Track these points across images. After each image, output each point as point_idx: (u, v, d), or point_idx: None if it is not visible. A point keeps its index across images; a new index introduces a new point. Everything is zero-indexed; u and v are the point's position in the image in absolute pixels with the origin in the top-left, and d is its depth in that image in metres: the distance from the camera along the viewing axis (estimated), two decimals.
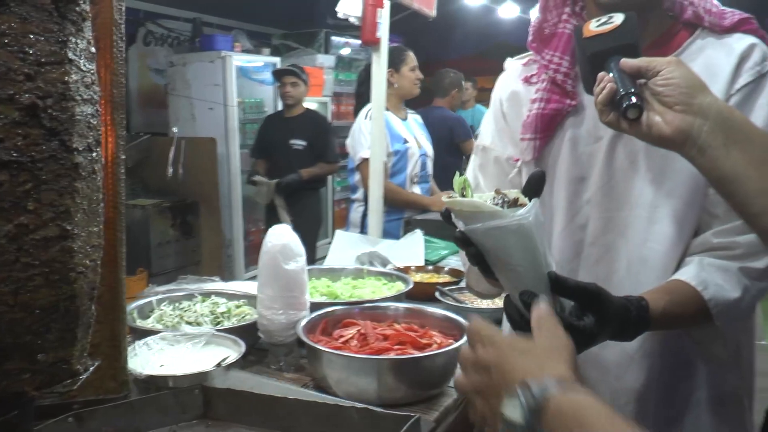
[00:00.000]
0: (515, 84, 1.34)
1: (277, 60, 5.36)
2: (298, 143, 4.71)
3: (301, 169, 4.62)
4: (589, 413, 0.65)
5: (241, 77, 5.27)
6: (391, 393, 1.37)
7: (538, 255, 0.88)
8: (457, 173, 0.90)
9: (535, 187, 0.90)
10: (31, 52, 0.75)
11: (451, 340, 1.48)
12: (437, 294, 2.08)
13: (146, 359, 1.34)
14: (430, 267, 2.51)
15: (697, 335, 1.11)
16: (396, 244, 2.98)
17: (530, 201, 0.87)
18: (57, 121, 0.78)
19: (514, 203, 0.86)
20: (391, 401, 1.35)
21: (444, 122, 4.52)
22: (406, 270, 2.35)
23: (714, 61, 1.12)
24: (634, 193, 1.15)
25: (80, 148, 0.81)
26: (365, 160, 3.20)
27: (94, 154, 0.85)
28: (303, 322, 1.51)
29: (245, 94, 5.36)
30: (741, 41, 1.13)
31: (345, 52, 6.81)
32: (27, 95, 0.75)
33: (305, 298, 1.56)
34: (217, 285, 1.88)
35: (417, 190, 3.46)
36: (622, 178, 1.16)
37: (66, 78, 0.78)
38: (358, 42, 7.20)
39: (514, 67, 1.38)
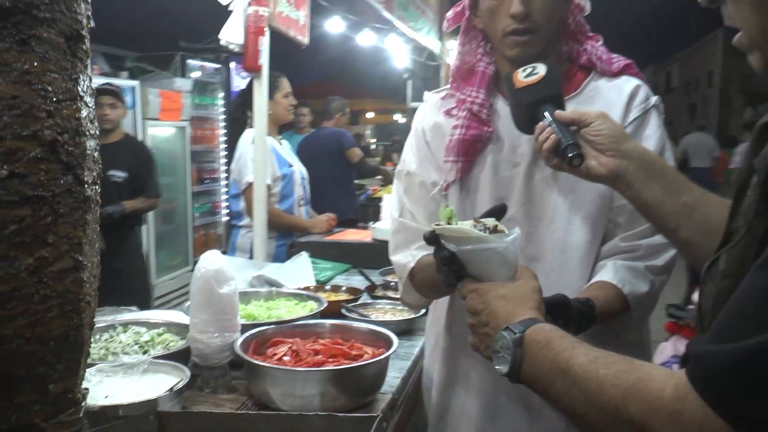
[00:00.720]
0: (437, 116, 1.51)
1: (136, 83, 5.18)
2: (118, 174, 4.06)
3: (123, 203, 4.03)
4: (553, 340, 0.87)
5: None
6: (333, 402, 1.45)
7: (515, 273, 1.03)
8: (443, 205, 1.05)
9: (496, 216, 1.07)
10: (50, 89, 0.78)
11: (382, 350, 1.60)
12: (343, 310, 2.19)
13: (89, 392, 1.32)
14: (328, 287, 2.61)
15: (615, 326, 1.32)
16: (283, 266, 3.02)
17: (499, 225, 1.03)
18: (72, 156, 0.81)
19: (494, 229, 1.02)
20: (332, 410, 1.43)
21: (331, 136, 5.15)
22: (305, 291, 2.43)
23: (608, 99, 1.36)
24: (550, 210, 1.35)
25: (89, 182, 0.84)
26: (252, 185, 3.24)
27: (96, 187, 0.88)
28: (238, 343, 1.56)
29: None
30: (628, 83, 1.38)
31: (195, 74, 6.69)
32: (48, 131, 0.78)
33: (237, 320, 1.60)
34: (134, 315, 1.85)
35: (302, 212, 3.54)
36: (539, 198, 1.36)
37: (78, 114, 0.82)
38: (213, 65, 7.14)
39: (433, 101, 1.55)
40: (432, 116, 1.51)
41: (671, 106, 35.85)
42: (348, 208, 4.93)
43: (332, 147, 5.10)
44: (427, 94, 1.58)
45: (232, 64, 7.17)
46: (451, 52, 7.27)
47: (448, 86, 1.51)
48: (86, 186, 0.83)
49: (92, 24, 0.86)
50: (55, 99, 0.78)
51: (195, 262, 4.62)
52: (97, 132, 0.88)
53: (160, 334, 1.72)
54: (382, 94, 14.49)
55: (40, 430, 0.84)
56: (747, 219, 0.70)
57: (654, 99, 1.37)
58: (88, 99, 0.85)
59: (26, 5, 0.76)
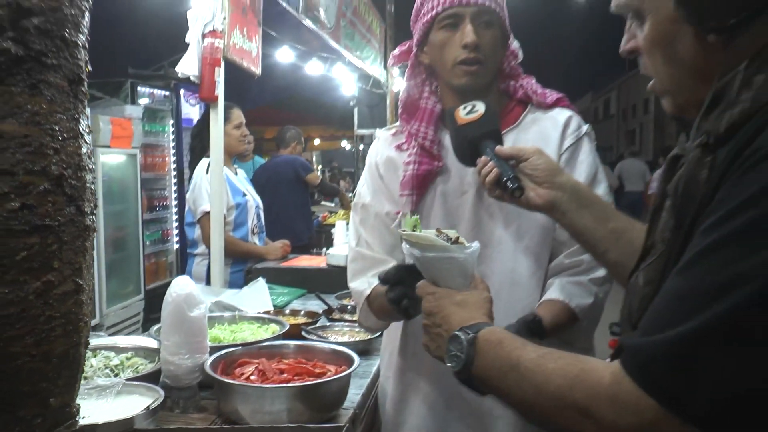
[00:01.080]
0: (389, 151, 1.64)
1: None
2: None
3: None
4: (505, 339, 0.97)
5: None
6: (300, 417, 1.53)
7: (470, 282, 1.15)
8: (408, 214, 1.16)
9: None
10: (57, 129, 0.87)
11: (344, 368, 1.69)
12: (303, 333, 2.27)
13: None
14: (287, 311, 2.69)
15: (567, 337, 1.45)
16: (240, 292, 3.08)
17: (460, 237, 1.15)
18: (75, 189, 0.89)
19: (456, 241, 1.13)
20: (299, 423, 1.52)
21: (287, 164, 5.36)
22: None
23: (545, 130, 1.52)
24: (497, 234, 1.49)
25: (88, 212, 0.93)
26: (207, 213, 3.28)
27: (93, 217, 0.96)
28: (207, 364, 1.63)
29: None
30: (562, 114, 1.54)
31: (144, 101, 6.67)
32: (55, 167, 0.86)
33: (206, 342, 1.67)
34: (102, 340, 1.90)
35: (256, 240, 3.60)
36: (487, 223, 1.50)
37: (80, 151, 0.91)
38: (163, 92, 7.14)
39: (384, 137, 1.68)
40: (384, 151, 1.64)
41: (610, 132, 37.07)
42: (304, 234, 5.03)
43: (289, 174, 5.29)
44: (378, 131, 1.72)
45: (182, 91, 7.18)
46: (396, 79, 7.49)
47: (398, 123, 1.65)
48: (86, 216, 0.92)
49: (90, 68, 0.95)
50: (60, 138, 0.87)
51: (146, 291, 4.57)
52: (94, 166, 0.96)
53: (129, 358, 1.78)
54: (329, 121, 14.65)
55: None
56: (663, 236, 0.83)
57: (585, 127, 1.54)
58: (86, 137, 0.93)
59: (36, 53, 0.84)
